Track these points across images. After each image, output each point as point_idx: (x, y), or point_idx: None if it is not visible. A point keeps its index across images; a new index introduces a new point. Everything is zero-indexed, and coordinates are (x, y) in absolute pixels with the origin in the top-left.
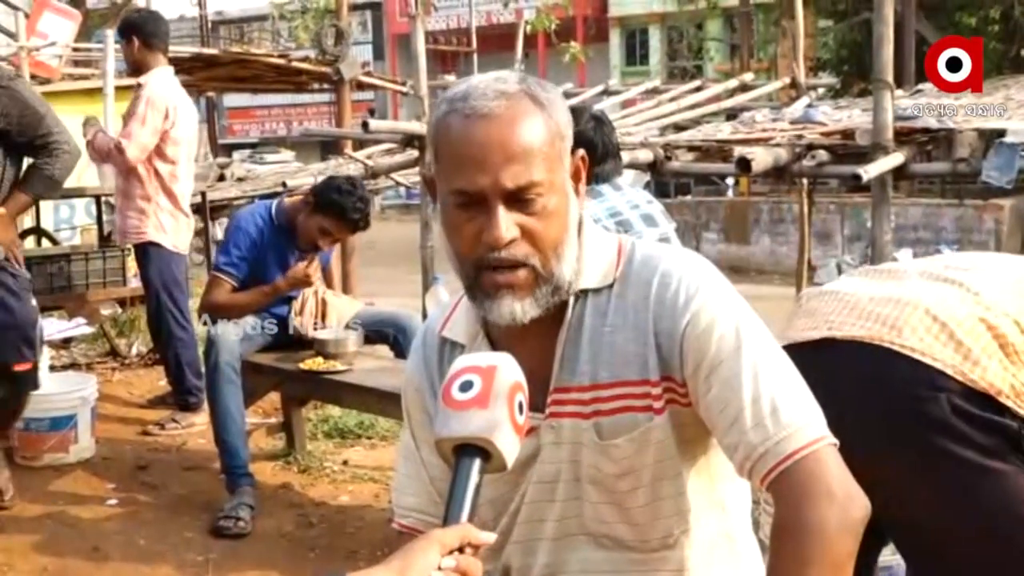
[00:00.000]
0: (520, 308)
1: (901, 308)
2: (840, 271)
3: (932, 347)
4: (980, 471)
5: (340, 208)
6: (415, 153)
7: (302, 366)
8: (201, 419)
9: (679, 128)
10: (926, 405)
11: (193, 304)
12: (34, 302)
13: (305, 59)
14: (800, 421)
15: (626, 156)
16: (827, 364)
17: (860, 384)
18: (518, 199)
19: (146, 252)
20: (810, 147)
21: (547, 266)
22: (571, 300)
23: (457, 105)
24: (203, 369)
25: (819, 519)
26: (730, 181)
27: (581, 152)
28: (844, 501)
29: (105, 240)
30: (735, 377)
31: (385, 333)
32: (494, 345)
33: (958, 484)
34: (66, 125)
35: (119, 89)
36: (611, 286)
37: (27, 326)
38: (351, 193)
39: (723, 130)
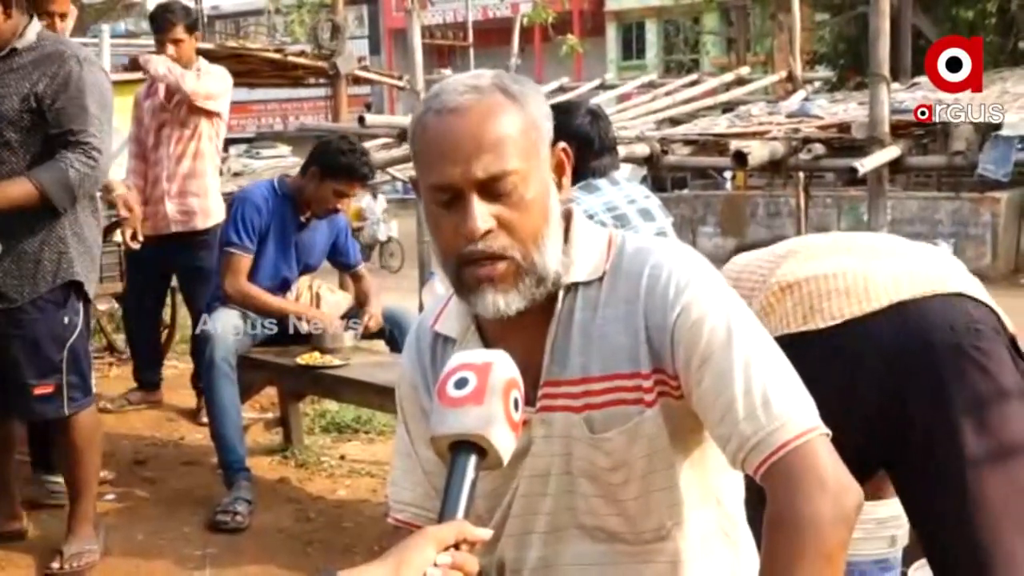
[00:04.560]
0: (504, 301)
1: (927, 267)
2: None
3: (980, 294)
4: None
5: (349, 168)
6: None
7: (299, 361)
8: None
9: (675, 122)
10: (998, 343)
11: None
12: None
13: (301, 54)
14: (791, 412)
15: (622, 150)
16: (909, 324)
17: (953, 327)
18: (492, 190)
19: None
20: (806, 141)
21: (528, 257)
22: (560, 293)
23: (431, 104)
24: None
25: (812, 510)
26: (727, 175)
27: (562, 144)
28: (837, 491)
29: (105, 233)
30: (727, 369)
31: (381, 328)
32: (485, 339)
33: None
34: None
35: (116, 84)
36: (601, 279)
37: None
38: (352, 151)
39: (719, 124)
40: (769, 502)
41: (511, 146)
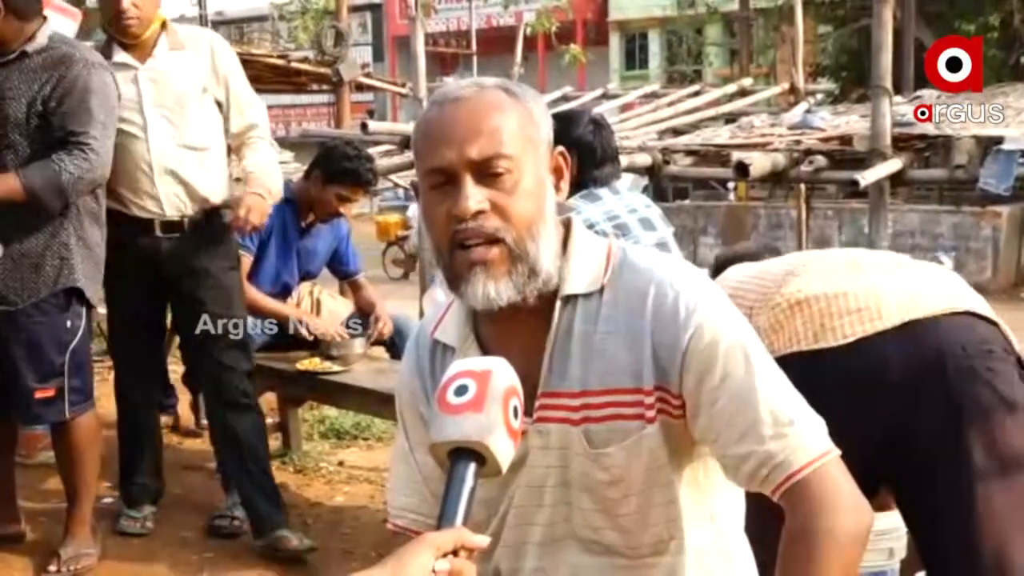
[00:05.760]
0: (494, 288)
1: (935, 285)
2: None
3: (989, 313)
4: None
5: (354, 174)
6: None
7: (299, 366)
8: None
9: (678, 132)
10: (1008, 363)
11: None
12: None
13: (304, 60)
14: (810, 433)
15: (624, 160)
16: (921, 344)
17: (966, 347)
18: (487, 173)
19: None
20: (808, 152)
21: (521, 243)
22: (559, 303)
23: (434, 99)
24: None
25: (831, 526)
26: (730, 186)
27: (560, 149)
28: (854, 511)
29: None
30: (748, 390)
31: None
32: (483, 348)
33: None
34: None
35: None
36: (601, 291)
37: None
38: (357, 157)
39: (721, 135)
40: (790, 518)
41: (507, 134)
